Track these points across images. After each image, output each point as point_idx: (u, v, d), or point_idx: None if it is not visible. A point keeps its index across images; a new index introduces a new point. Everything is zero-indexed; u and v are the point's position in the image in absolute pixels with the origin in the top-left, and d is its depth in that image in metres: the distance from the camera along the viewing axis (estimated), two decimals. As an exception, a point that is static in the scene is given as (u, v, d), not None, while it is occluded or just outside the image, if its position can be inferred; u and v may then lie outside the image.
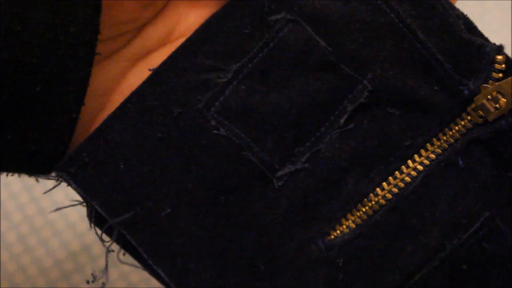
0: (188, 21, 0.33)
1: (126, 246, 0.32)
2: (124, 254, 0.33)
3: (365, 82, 0.31)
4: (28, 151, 0.30)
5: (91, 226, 0.32)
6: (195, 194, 0.31)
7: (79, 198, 0.32)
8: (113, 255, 0.33)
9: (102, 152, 0.31)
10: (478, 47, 0.31)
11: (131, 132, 0.31)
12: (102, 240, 0.32)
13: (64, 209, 0.53)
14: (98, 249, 0.52)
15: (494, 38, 0.37)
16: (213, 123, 0.31)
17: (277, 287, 0.32)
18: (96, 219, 0.31)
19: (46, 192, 0.34)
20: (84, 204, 0.32)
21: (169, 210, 0.31)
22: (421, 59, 0.31)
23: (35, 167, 0.31)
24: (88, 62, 0.29)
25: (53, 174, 0.31)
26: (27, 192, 0.53)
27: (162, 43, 0.33)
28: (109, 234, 0.32)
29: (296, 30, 0.31)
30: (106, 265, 0.33)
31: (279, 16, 0.31)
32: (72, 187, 0.31)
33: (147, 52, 0.33)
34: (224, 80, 0.31)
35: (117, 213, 0.31)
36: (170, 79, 0.31)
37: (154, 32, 0.33)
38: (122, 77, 0.33)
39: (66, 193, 0.53)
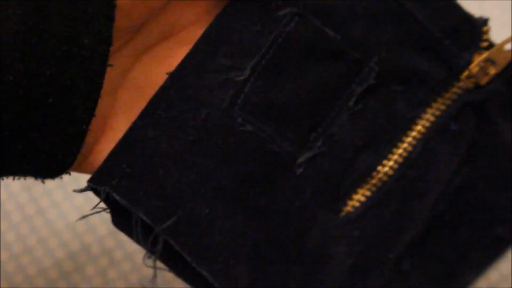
0: (188, 15, 0.33)
1: (167, 260, 0.33)
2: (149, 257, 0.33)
3: (372, 64, 0.34)
4: (37, 160, 0.30)
5: (138, 239, 0.32)
6: (229, 191, 0.33)
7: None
8: (109, 252, 0.33)
9: (140, 160, 0.32)
10: (471, 20, 0.34)
11: (165, 139, 0.32)
12: (149, 252, 0.32)
13: (64, 210, 0.53)
14: (97, 249, 0.52)
15: (494, 38, 0.37)
16: (239, 120, 0.33)
17: (307, 270, 0.34)
18: (142, 229, 0.32)
19: (82, 218, 0.34)
20: (108, 210, 0.32)
21: (207, 211, 0.32)
22: (421, 38, 0.34)
23: (43, 174, 0.32)
24: (100, 74, 0.29)
25: (89, 185, 0.31)
26: (26, 192, 0.53)
27: (163, 37, 0.33)
28: (154, 244, 0.32)
29: (303, 22, 0.33)
30: (155, 275, 0.33)
31: (285, 11, 0.32)
32: (115, 199, 0.31)
33: (149, 47, 0.33)
34: (242, 78, 0.32)
35: (162, 220, 0.31)
36: (194, 82, 0.32)
37: (155, 29, 0.33)
38: (126, 73, 0.33)
39: (65, 193, 0.53)
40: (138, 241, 0.32)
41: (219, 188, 0.33)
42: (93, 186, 0.31)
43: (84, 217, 0.34)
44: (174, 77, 0.32)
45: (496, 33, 0.38)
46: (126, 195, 0.31)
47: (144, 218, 0.31)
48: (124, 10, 0.30)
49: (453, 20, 0.34)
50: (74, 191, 0.33)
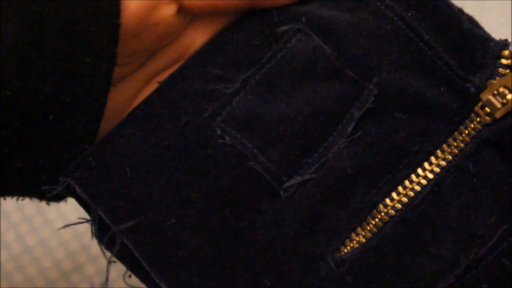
0: (199, 41, 0.32)
1: (132, 266, 0.31)
2: (129, 276, 0.31)
3: (371, 86, 0.31)
4: (38, 180, 0.29)
5: (92, 235, 0.31)
6: (200, 205, 0.30)
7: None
8: (109, 252, 0.32)
9: (108, 157, 0.30)
10: (483, 40, 0.31)
11: (139, 139, 0.31)
12: (104, 251, 0.31)
13: (63, 209, 0.53)
14: (97, 249, 0.52)
15: (494, 38, 0.37)
16: (218, 132, 0.31)
17: None
18: (99, 227, 0.31)
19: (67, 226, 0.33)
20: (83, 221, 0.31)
21: (173, 221, 0.30)
22: (427, 60, 0.31)
23: (45, 195, 0.31)
24: (103, 93, 0.29)
25: (59, 179, 0.30)
26: (26, 192, 0.53)
27: (174, 62, 0.33)
28: (111, 244, 0.31)
29: (304, 39, 0.31)
30: (107, 278, 0.31)
31: (287, 27, 0.31)
32: (77, 191, 0.30)
33: (158, 72, 0.33)
34: (232, 90, 0.31)
35: (121, 220, 0.30)
36: (178, 88, 0.31)
37: (167, 55, 0.32)
38: (134, 97, 0.32)
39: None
40: (97, 239, 0.31)
41: (189, 200, 0.30)
42: (62, 177, 0.30)
43: (67, 225, 0.33)
44: (163, 83, 0.31)
45: (496, 33, 0.38)
46: (88, 189, 0.30)
47: (103, 215, 0.30)
48: (133, 32, 0.29)
49: (457, 36, 0.31)
50: (44, 188, 0.31)
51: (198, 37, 0.32)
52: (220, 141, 0.31)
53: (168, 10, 0.29)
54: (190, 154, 0.31)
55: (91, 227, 0.31)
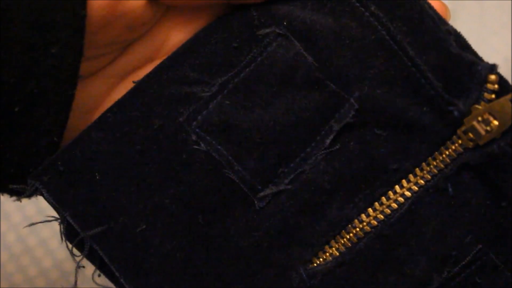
0: (175, 39, 0.32)
1: (101, 266, 0.31)
2: (99, 275, 0.31)
3: (352, 100, 0.30)
4: (6, 174, 0.29)
5: (62, 240, 0.30)
6: (172, 212, 0.30)
7: (53, 213, 0.30)
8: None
9: (78, 161, 0.29)
10: (469, 65, 0.30)
11: (109, 143, 0.30)
12: (72, 255, 0.30)
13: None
14: (97, 249, 0.52)
15: (494, 38, 0.37)
16: (193, 137, 0.30)
17: None
18: (67, 231, 0.30)
19: (29, 226, 0.33)
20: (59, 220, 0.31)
21: (144, 227, 0.30)
22: (411, 78, 0.30)
23: (16, 192, 0.30)
24: (70, 85, 0.28)
25: (27, 182, 0.30)
26: (26, 192, 0.53)
27: (148, 60, 0.32)
28: (81, 248, 0.30)
29: (285, 45, 0.30)
30: (76, 282, 0.31)
31: (268, 30, 0.30)
32: (44, 196, 0.30)
33: (133, 69, 0.32)
34: (208, 94, 0.30)
35: (90, 226, 0.29)
36: (152, 90, 0.30)
37: (140, 50, 0.32)
38: (107, 94, 0.32)
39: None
40: (66, 242, 0.31)
41: (161, 206, 0.30)
42: (29, 180, 0.30)
43: (31, 224, 0.32)
44: (137, 84, 0.30)
45: (496, 33, 0.38)
46: (55, 193, 0.29)
47: (70, 220, 0.29)
48: (100, 23, 0.28)
49: (442, 59, 0.30)
50: (12, 187, 0.30)
51: (174, 34, 0.32)
52: (195, 147, 0.30)
53: (136, 1, 0.29)
54: (164, 159, 0.30)
55: (60, 231, 0.30)
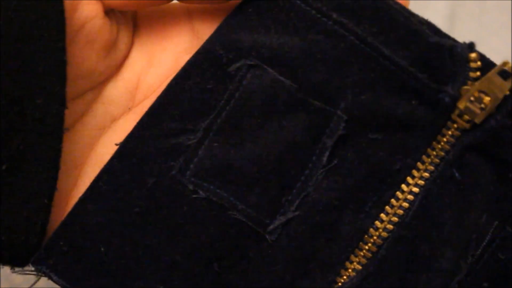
0: (148, 80, 0.31)
1: None
2: None
3: (339, 112, 0.30)
4: None
5: None
6: (187, 266, 0.29)
7: None
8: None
9: (79, 237, 0.29)
10: (449, 49, 0.30)
11: (106, 212, 0.29)
12: None
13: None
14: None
15: (494, 38, 0.37)
16: (190, 187, 0.29)
17: None
18: None
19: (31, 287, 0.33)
20: None
21: (162, 287, 0.29)
22: (392, 76, 0.30)
23: (9, 259, 0.29)
24: (57, 138, 0.27)
25: (31, 267, 0.29)
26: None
27: (126, 108, 0.31)
28: None
29: (259, 74, 0.30)
30: None
31: (238, 64, 0.30)
32: (53, 280, 0.29)
33: (112, 119, 0.31)
34: (195, 140, 0.30)
35: None
36: (138, 150, 0.30)
37: (115, 95, 0.31)
38: (90, 148, 0.31)
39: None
40: None
41: (174, 264, 0.29)
42: (34, 266, 0.29)
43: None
44: (121, 147, 0.30)
45: (496, 33, 0.38)
46: (64, 274, 0.29)
47: None
48: (81, 63, 0.28)
49: (422, 50, 0.29)
50: (13, 271, 0.30)
51: (146, 75, 0.31)
52: (194, 196, 0.29)
53: (91, 11, 0.28)
54: (165, 216, 0.29)
55: None
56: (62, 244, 0.29)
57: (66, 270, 0.29)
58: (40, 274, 0.30)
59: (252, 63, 0.30)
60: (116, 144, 0.30)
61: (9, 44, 0.25)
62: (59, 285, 0.30)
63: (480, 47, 0.31)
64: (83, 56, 0.29)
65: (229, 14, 0.30)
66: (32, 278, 0.50)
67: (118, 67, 0.31)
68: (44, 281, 0.53)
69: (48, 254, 0.29)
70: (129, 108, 0.31)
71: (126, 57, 0.31)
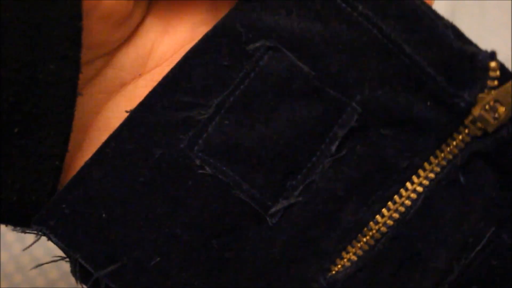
0: (161, 49, 0.31)
1: None
2: None
3: (354, 104, 0.30)
4: (8, 201, 0.28)
5: (76, 282, 0.30)
6: (185, 240, 0.30)
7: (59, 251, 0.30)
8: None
9: (82, 202, 0.29)
10: (471, 56, 0.30)
11: (111, 179, 0.29)
12: None
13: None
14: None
15: (494, 38, 0.37)
16: (197, 162, 0.29)
17: None
18: (81, 273, 0.30)
19: (25, 249, 0.33)
20: (67, 259, 0.31)
21: (158, 259, 0.29)
22: (411, 75, 0.30)
23: (17, 218, 0.29)
24: (70, 103, 0.27)
25: (32, 227, 0.29)
26: (26, 192, 0.53)
27: (136, 74, 0.31)
28: (97, 286, 0.30)
29: (277, 57, 0.29)
30: (76, 281, 0.31)
31: (257, 45, 0.29)
32: (52, 241, 0.29)
33: (122, 84, 0.31)
34: (206, 116, 0.29)
35: (103, 265, 0.29)
36: (148, 120, 0.29)
37: (126, 61, 0.31)
38: (97, 111, 0.31)
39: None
40: (82, 283, 0.30)
41: (173, 236, 0.29)
42: (35, 226, 0.29)
43: (38, 265, 0.32)
44: (131, 115, 0.30)
45: (496, 33, 0.38)
46: (63, 237, 0.29)
47: (82, 262, 0.29)
48: (94, 35, 0.28)
49: (444, 53, 0.29)
50: (14, 230, 0.30)
51: (159, 42, 0.31)
52: (200, 171, 0.29)
53: None
54: (169, 188, 0.29)
55: (74, 274, 0.30)
56: (64, 207, 0.29)
57: (66, 233, 0.29)
58: (40, 234, 0.29)
59: (271, 44, 0.29)
60: (127, 112, 0.30)
61: (22, 8, 0.25)
62: (58, 246, 0.30)
63: (480, 47, 0.31)
64: (96, 29, 0.28)
65: None
66: (32, 278, 0.50)
67: (131, 34, 0.31)
68: (44, 281, 0.53)
69: (49, 216, 0.29)
70: (140, 74, 0.31)
71: (140, 24, 0.31)
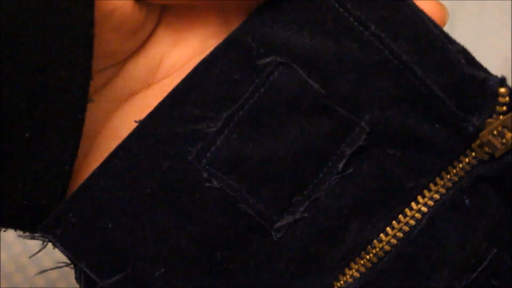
0: (171, 60, 0.31)
1: None
2: None
3: (363, 124, 0.30)
4: (17, 207, 0.28)
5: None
6: (190, 252, 0.30)
7: (64, 258, 0.30)
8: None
9: (89, 211, 0.29)
10: (481, 81, 0.30)
11: (119, 189, 0.29)
12: None
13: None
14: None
15: (494, 38, 0.37)
16: (205, 175, 0.29)
17: None
18: (86, 281, 0.30)
19: (31, 257, 0.33)
20: (71, 266, 0.31)
21: (163, 270, 0.30)
22: (421, 97, 0.30)
23: (26, 222, 0.29)
24: (80, 109, 0.27)
25: (38, 234, 0.29)
26: (26, 192, 0.53)
27: (145, 84, 0.31)
28: None
29: (287, 73, 0.29)
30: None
31: (268, 60, 0.29)
32: (58, 249, 0.30)
33: (131, 94, 0.31)
34: (214, 129, 0.29)
35: (108, 275, 0.30)
36: (157, 132, 0.30)
37: (136, 71, 0.31)
38: (106, 120, 0.31)
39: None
40: None
41: (178, 248, 0.30)
42: (41, 233, 0.29)
43: (43, 271, 0.33)
44: (140, 125, 0.30)
45: (496, 33, 0.38)
46: (70, 246, 0.29)
47: (87, 271, 0.29)
48: (106, 44, 0.28)
49: (455, 78, 0.30)
50: (20, 236, 0.30)
51: (169, 54, 0.31)
52: (207, 184, 0.30)
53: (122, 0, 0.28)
54: (176, 200, 0.30)
55: (79, 282, 0.30)
56: (71, 215, 0.29)
57: (72, 241, 0.29)
58: (46, 241, 0.30)
59: (282, 60, 0.29)
60: (136, 121, 0.30)
61: (35, 14, 0.25)
62: (64, 255, 0.30)
63: (480, 47, 0.32)
64: (108, 38, 0.29)
65: (262, 4, 0.30)
66: (32, 278, 0.50)
67: (142, 45, 0.31)
68: (44, 281, 0.53)
69: (56, 224, 0.29)
70: (149, 85, 0.31)
71: (151, 35, 0.31)
